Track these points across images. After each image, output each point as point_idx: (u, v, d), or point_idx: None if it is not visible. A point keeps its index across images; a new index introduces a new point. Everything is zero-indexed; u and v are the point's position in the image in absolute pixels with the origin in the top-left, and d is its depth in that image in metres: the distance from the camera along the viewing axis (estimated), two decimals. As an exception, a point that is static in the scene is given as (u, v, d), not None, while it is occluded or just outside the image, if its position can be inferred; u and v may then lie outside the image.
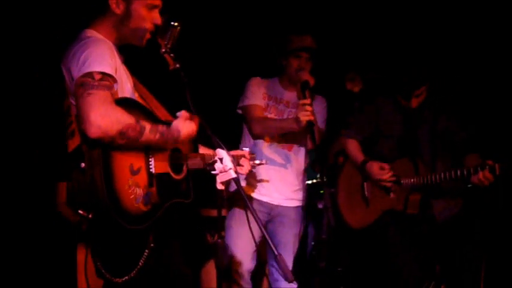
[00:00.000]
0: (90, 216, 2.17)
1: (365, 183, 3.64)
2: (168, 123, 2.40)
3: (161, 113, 2.54)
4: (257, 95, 3.62)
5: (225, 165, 2.44)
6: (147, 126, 2.25)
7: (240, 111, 3.68)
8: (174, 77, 2.44)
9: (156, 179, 2.36)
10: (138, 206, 2.25)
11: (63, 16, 3.45)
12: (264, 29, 4.38)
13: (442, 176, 3.26)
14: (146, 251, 2.38)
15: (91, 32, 2.39)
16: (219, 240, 2.58)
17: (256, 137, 3.60)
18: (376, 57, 4.70)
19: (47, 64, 3.50)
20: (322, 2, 4.73)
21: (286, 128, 3.47)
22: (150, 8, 2.41)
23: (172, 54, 2.46)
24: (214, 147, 2.46)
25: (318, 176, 4.62)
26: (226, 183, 2.46)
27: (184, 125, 2.41)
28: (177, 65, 2.45)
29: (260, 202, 3.59)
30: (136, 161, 2.27)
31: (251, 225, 2.68)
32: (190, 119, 2.45)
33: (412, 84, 3.45)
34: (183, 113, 2.44)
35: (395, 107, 3.57)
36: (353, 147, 3.69)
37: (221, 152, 2.45)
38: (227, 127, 3.56)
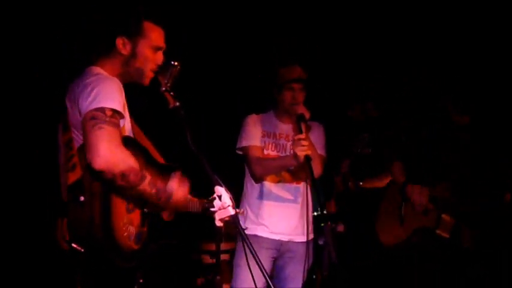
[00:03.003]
0: (82, 250, 2.20)
1: (404, 203, 3.75)
2: (165, 170, 2.43)
3: (154, 154, 2.58)
4: (254, 135, 3.61)
5: (223, 202, 2.46)
6: (148, 177, 2.27)
7: (240, 152, 3.66)
8: (173, 115, 2.47)
9: (148, 219, 2.42)
10: (131, 244, 2.30)
11: (63, 17, 3.52)
12: (260, 63, 4.44)
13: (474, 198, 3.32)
14: (135, 287, 2.41)
15: (97, 70, 2.43)
16: (218, 277, 2.59)
17: (258, 179, 3.59)
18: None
19: (47, 65, 3.58)
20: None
21: (285, 166, 3.48)
22: (154, 50, 2.49)
23: (172, 93, 2.50)
24: (213, 185, 2.47)
25: (319, 208, 4.61)
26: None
27: (178, 189, 2.41)
28: (177, 103, 2.48)
29: (269, 240, 3.56)
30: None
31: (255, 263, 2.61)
32: (183, 180, 2.45)
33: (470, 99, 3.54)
34: (177, 175, 2.44)
35: (446, 132, 3.67)
36: (397, 168, 3.86)
37: (220, 190, 2.46)
38: (226, 165, 3.57)
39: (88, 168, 2.16)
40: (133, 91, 2.53)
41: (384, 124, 4.64)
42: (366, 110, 4.86)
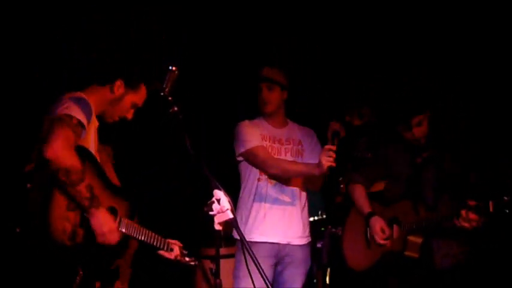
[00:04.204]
0: (17, 230, 2.48)
1: (368, 227, 3.63)
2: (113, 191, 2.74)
3: (111, 177, 2.85)
4: (256, 137, 3.60)
5: (222, 205, 2.47)
6: (87, 181, 2.53)
7: (241, 158, 3.64)
8: (172, 120, 2.49)
9: (86, 223, 2.61)
10: (63, 239, 2.52)
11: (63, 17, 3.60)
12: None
13: (430, 218, 3.25)
14: (77, 278, 2.58)
15: (81, 94, 2.72)
16: (218, 281, 2.59)
17: (272, 176, 3.57)
18: (374, 87, 4.75)
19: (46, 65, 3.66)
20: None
21: (306, 173, 3.47)
22: (133, 106, 2.88)
23: (170, 98, 2.52)
24: (211, 189, 2.49)
25: (320, 213, 4.64)
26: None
27: (105, 217, 2.63)
28: (175, 108, 2.51)
29: (268, 245, 3.56)
30: None
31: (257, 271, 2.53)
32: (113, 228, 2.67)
33: (410, 109, 3.43)
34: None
35: (403, 149, 3.56)
36: (359, 193, 3.69)
37: (218, 193, 2.48)
38: (225, 168, 3.58)
39: (39, 158, 2.45)
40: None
41: (381, 128, 4.65)
42: (363, 114, 4.88)
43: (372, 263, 3.54)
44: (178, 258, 3.15)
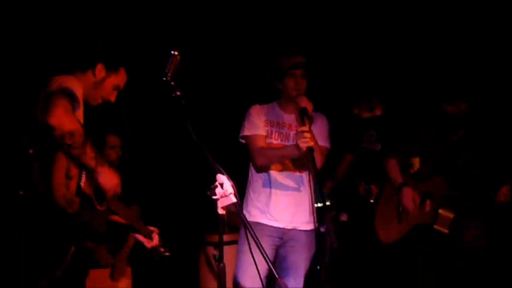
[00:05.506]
0: (21, 193, 2.63)
1: (400, 199, 3.69)
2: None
3: None
4: (257, 124, 3.64)
5: (225, 190, 2.49)
6: (89, 141, 2.71)
7: (242, 141, 3.70)
8: (175, 105, 2.50)
9: (81, 194, 2.76)
10: (62, 203, 2.65)
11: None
12: (261, 55, 4.45)
13: (465, 194, 3.29)
14: (72, 248, 2.77)
15: (66, 84, 2.82)
16: (221, 265, 2.61)
17: (260, 169, 3.63)
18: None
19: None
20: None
21: (288, 156, 3.51)
22: (115, 88, 3.05)
23: (173, 82, 2.53)
24: (215, 174, 2.50)
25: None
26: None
27: (111, 172, 2.84)
28: (178, 93, 2.52)
29: (273, 228, 3.59)
30: (72, 168, 2.72)
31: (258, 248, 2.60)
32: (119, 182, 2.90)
33: (459, 87, 3.49)
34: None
35: (439, 125, 3.59)
36: (392, 167, 3.77)
37: (222, 177, 2.50)
38: (228, 153, 3.60)
39: (41, 125, 2.60)
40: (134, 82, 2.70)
41: (389, 120, 4.65)
42: (372, 106, 4.88)
43: (401, 235, 3.58)
44: (155, 247, 3.38)
